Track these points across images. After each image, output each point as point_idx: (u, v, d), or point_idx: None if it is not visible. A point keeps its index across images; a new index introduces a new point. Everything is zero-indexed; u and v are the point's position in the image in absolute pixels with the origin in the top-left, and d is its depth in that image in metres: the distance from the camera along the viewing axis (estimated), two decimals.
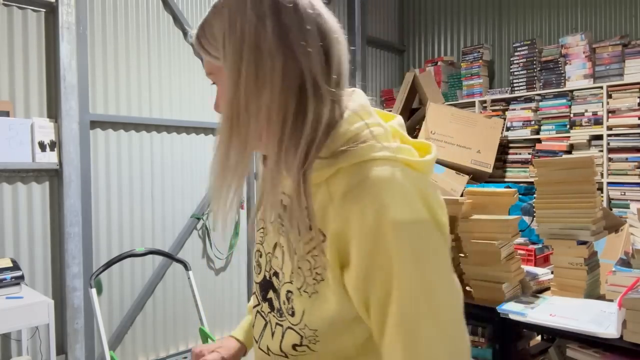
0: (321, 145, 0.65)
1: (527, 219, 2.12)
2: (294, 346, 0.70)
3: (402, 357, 0.60)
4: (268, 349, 0.74)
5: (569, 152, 3.74)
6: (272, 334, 0.74)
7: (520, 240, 2.00)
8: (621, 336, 1.24)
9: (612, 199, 3.55)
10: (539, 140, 3.94)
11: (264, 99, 0.63)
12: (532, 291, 1.62)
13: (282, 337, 0.71)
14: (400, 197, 0.61)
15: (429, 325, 0.60)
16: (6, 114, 2.66)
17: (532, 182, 2.70)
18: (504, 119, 4.08)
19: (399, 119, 0.75)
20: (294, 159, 0.63)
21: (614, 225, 1.85)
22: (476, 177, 3.70)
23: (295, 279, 0.69)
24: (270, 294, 0.76)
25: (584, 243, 1.55)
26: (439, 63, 4.70)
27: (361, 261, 0.62)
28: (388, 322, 0.61)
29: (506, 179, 4.04)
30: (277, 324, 0.73)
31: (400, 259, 0.60)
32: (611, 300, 1.47)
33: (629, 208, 3.12)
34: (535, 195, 1.63)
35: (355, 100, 0.70)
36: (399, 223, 0.60)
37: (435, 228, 0.64)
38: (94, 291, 2.40)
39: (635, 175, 3.45)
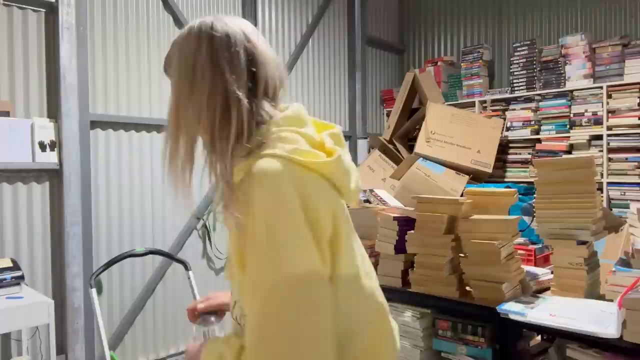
0: (242, 144, 0.80)
1: (527, 219, 2.12)
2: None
3: (249, 322, 0.73)
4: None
5: (569, 152, 3.74)
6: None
7: (520, 240, 1.99)
8: (621, 336, 1.24)
9: (612, 199, 3.55)
10: (539, 140, 3.94)
11: (195, 99, 0.82)
12: (532, 291, 1.62)
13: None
14: (270, 183, 0.74)
15: (272, 318, 0.70)
16: (6, 114, 2.66)
17: (532, 182, 2.70)
18: (504, 119, 4.07)
19: (334, 130, 0.88)
20: (223, 148, 0.80)
21: (614, 225, 1.85)
22: (476, 177, 3.70)
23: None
24: None
25: (584, 243, 1.55)
26: (439, 63, 4.70)
27: (238, 235, 0.76)
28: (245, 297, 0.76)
29: (506, 179, 4.04)
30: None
31: (254, 235, 0.72)
32: (611, 300, 1.47)
33: (629, 208, 3.12)
34: (535, 195, 1.63)
35: (286, 111, 0.85)
36: (260, 204, 0.72)
37: (303, 218, 0.73)
38: (94, 291, 2.40)
39: (635, 175, 3.45)
